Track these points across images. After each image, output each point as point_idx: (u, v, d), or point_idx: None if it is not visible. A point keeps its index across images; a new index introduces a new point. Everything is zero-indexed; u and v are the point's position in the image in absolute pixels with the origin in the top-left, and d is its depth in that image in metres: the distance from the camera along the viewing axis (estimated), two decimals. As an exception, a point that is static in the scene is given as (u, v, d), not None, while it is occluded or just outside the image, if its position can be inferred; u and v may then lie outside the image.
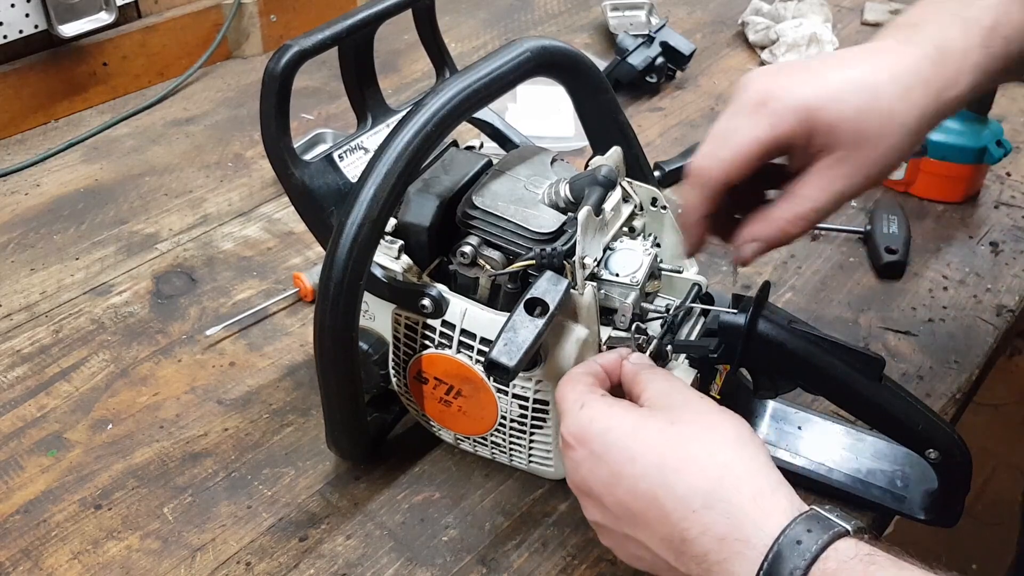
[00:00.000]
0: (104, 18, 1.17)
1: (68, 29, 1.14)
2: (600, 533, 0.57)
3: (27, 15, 1.11)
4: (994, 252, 0.98)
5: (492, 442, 0.71)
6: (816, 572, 0.45)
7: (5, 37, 1.11)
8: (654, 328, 0.67)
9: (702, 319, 0.70)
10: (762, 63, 1.33)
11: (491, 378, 0.66)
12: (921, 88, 0.55)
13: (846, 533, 0.46)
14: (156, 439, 0.77)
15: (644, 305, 0.67)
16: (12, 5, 1.09)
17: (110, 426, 0.78)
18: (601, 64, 1.19)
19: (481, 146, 0.81)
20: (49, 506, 0.71)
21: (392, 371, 0.72)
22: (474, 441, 0.72)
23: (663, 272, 0.71)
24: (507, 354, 0.57)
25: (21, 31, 1.12)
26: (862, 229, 1.00)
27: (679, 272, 0.72)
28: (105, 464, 0.75)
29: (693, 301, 0.70)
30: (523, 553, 0.68)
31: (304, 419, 0.78)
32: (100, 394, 0.81)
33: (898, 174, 1.04)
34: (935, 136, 1.02)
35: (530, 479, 0.73)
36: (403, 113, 0.75)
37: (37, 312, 0.90)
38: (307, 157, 0.69)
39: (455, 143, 0.75)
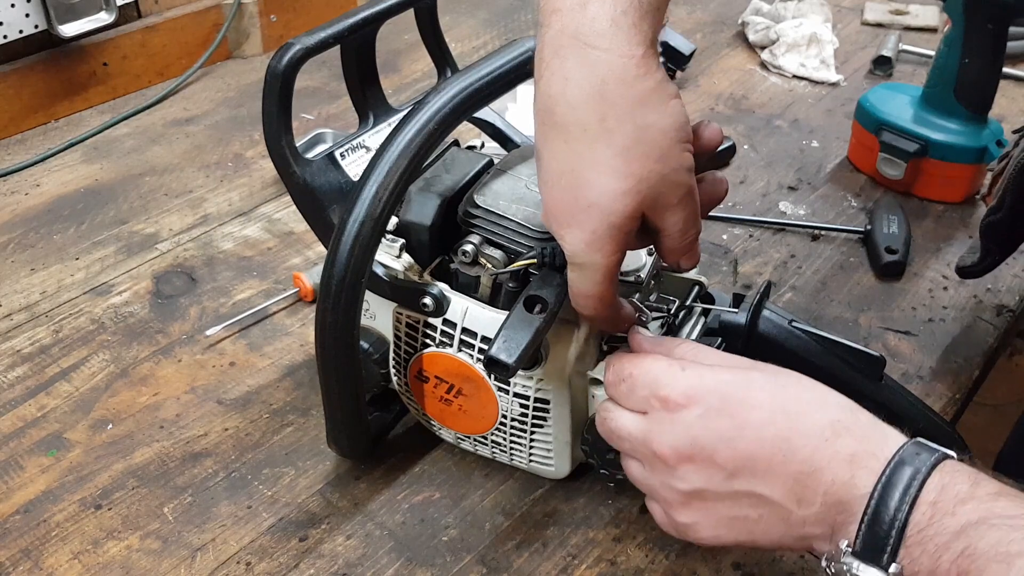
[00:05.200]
0: (104, 18, 1.17)
1: (68, 29, 1.14)
2: (686, 506, 0.55)
3: (27, 15, 1.11)
4: (994, 252, 0.98)
5: (493, 441, 0.71)
6: (935, 475, 0.49)
7: (5, 37, 1.11)
8: (655, 328, 0.67)
9: (703, 319, 0.70)
10: (762, 63, 1.33)
11: (491, 375, 0.66)
12: None
13: (952, 456, 0.50)
14: (156, 439, 0.77)
15: (646, 304, 0.67)
16: (12, 5, 1.09)
17: (110, 426, 0.78)
18: (601, 64, 1.19)
19: (482, 146, 0.81)
20: (49, 506, 0.71)
21: (392, 370, 0.71)
22: (474, 440, 0.72)
23: (664, 272, 0.71)
24: (506, 351, 0.57)
25: (21, 31, 1.12)
26: (862, 229, 1.00)
27: (682, 272, 0.72)
28: (105, 464, 0.75)
29: (694, 301, 0.70)
30: (523, 553, 0.68)
31: (304, 419, 0.78)
32: (100, 394, 0.81)
33: (898, 174, 1.04)
34: (935, 136, 1.02)
35: (530, 479, 0.73)
36: (404, 112, 0.75)
37: (37, 312, 0.90)
38: (308, 156, 0.69)
39: (456, 143, 0.75)
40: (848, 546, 0.50)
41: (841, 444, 0.51)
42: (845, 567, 0.50)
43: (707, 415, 0.53)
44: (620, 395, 0.58)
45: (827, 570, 0.51)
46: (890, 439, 0.51)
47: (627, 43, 0.52)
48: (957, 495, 0.48)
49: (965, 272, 0.86)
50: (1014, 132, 0.93)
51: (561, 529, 0.70)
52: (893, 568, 0.48)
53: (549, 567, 0.67)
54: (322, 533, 0.69)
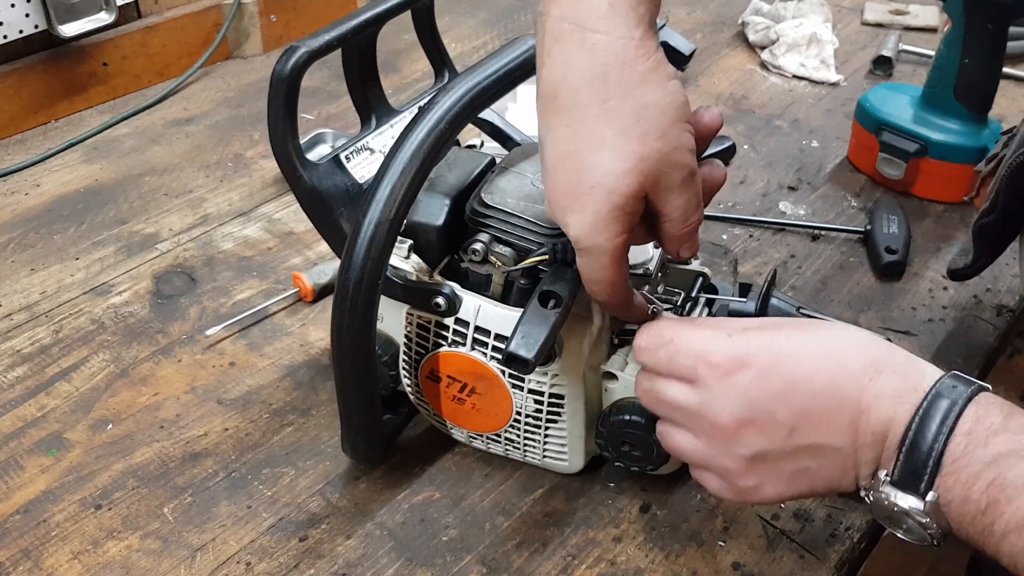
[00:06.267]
0: (104, 18, 1.17)
1: (68, 29, 1.14)
2: (749, 472, 0.55)
3: (27, 15, 1.11)
4: (994, 252, 0.98)
5: (506, 439, 0.71)
6: (971, 407, 0.50)
7: (5, 37, 1.11)
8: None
9: (707, 309, 0.71)
10: (762, 63, 1.33)
11: (509, 372, 0.66)
12: None
13: (987, 389, 0.52)
14: (156, 439, 0.77)
15: (655, 296, 0.68)
16: (12, 5, 1.09)
17: (110, 426, 0.78)
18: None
19: (481, 144, 0.81)
20: (49, 506, 0.71)
21: (403, 371, 0.71)
22: (487, 439, 0.72)
23: (669, 264, 0.72)
24: (525, 347, 0.57)
25: (21, 31, 1.12)
26: (862, 229, 1.00)
27: (686, 264, 0.72)
28: (105, 464, 0.75)
29: (698, 292, 0.71)
30: (523, 553, 0.68)
31: (304, 419, 0.78)
32: (100, 394, 0.81)
33: (898, 174, 1.04)
34: (935, 136, 1.02)
35: (530, 479, 0.73)
36: (406, 113, 0.76)
37: (37, 312, 0.90)
38: (310, 157, 0.69)
39: (457, 142, 0.75)
40: (887, 476, 0.51)
41: (884, 381, 0.52)
42: (884, 496, 0.51)
43: (761, 375, 0.53)
44: (659, 361, 0.57)
45: (866, 499, 0.53)
46: (927, 373, 0.53)
47: (625, 25, 0.53)
48: (990, 426, 0.49)
49: (957, 275, 0.86)
50: (1003, 133, 0.93)
51: (561, 529, 0.70)
52: (930, 496, 0.50)
53: (549, 567, 0.67)
54: (322, 533, 0.69)
